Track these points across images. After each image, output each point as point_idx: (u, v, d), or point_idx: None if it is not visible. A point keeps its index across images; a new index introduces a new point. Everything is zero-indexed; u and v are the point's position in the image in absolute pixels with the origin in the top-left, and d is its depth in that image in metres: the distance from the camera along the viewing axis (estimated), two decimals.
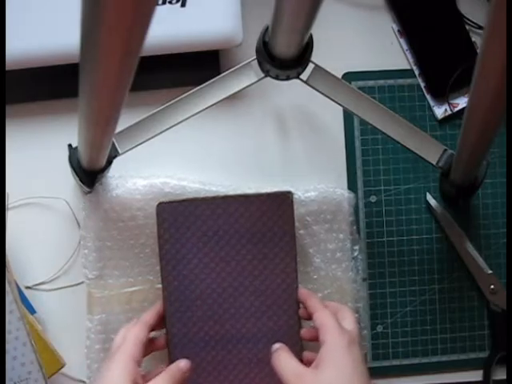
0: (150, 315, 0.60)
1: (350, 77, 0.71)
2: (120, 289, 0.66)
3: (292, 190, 0.65)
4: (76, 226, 0.67)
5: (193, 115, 0.61)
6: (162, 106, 0.60)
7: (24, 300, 0.63)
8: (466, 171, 0.62)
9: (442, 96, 0.71)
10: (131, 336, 0.56)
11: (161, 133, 0.61)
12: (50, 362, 0.62)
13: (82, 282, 0.66)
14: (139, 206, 0.66)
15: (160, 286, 0.63)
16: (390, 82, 0.71)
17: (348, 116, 0.70)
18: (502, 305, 0.69)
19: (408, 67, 0.72)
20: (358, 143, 0.70)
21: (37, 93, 0.68)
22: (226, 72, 0.61)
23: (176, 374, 0.55)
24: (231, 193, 0.66)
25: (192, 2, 0.63)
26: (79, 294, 0.66)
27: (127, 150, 0.61)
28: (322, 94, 0.61)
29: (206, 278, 0.62)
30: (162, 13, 0.62)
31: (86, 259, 0.66)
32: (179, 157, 0.69)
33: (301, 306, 0.62)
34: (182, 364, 0.57)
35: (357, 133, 0.71)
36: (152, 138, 0.61)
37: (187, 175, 0.67)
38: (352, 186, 0.70)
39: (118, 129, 0.57)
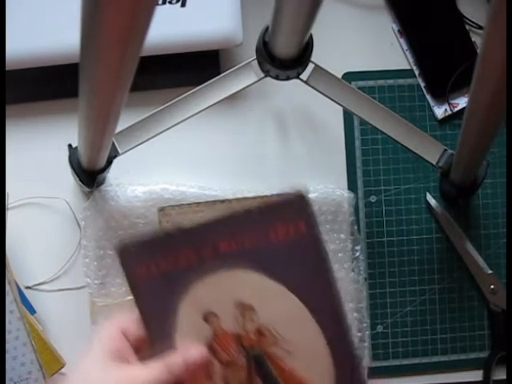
0: None
1: (349, 77, 0.71)
2: (123, 297, 0.65)
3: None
4: (76, 225, 0.67)
5: (193, 115, 0.61)
6: (162, 106, 0.60)
7: (24, 300, 0.63)
8: (466, 171, 0.62)
9: (442, 96, 0.71)
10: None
11: (161, 133, 0.61)
12: (50, 362, 0.62)
13: (83, 287, 0.66)
14: (139, 213, 0.66)
15: None
16: (390, 82, 0.71)
17: (348, 116, 0.70)
18: (502, 305, 0.69)
19: (408, 67, 0.72)
20: (358, 143, 0.70)
21: (37, 93, 0.68)
22: (226, 72, 0.61)
23: (175, 366, 0.41)
24: (230, 197, 0.66)
25: (192, 2, 0.63)
26: (79, 295, 0.66)
27: (127, 150, 0.61)
28: (322, 94, 0.61)
29: None
30: (162, 13, 0.62)
31: (87, 268, 0.66)
32: (178, 160, 0.69)
33: None
34: (192, 353, 0.42)
35: (357, 133, 0.71)
36: (152, 137, 0.61)
37: (186, 179, 0.67)
38: (352, 186, 0.70)
39: (118, 129, 0.57)
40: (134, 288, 0.44)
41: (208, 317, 0.43)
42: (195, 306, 0.43)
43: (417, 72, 0.72)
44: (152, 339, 0.44)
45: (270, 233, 0.41)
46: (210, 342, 0.43)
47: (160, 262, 0.43)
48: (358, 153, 0.70)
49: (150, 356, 0.43)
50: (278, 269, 0.41)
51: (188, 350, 0.42)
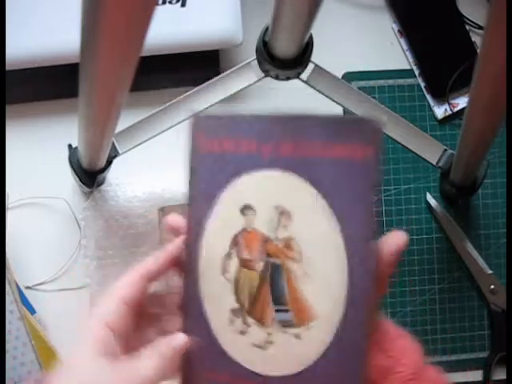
0: (153, 262, 0.45)
1: (349, 77, 0.71)
2: None
3: None
4: (76, 225, 0.67)
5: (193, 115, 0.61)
6: (162, 106, 0.60)
7: (24, 300, 0.63)
8: (466, 171, 0.62)
9: (442, 96, 0.71)
10: (114, 292, 0.43)
11: (161, 133, 0.61)
12: (50, 362, 0.62)
13: (83, 287, 0.66)
14: (139, 213, 0.66)
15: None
16: (390, 82, 0.71)
17: None
18: (502, 305, 0.69)
19: (408, 67, 0.72)
20: None
21: (37, 93, 0.68)
22: (226, 72, 0.61)
23: (167, 352, 0.42)
24: None
25: (192, 2, 0.63)
26: (79, 294, 0.66)
27: (127, 150, 0.61)
28: (322, 93, 0.61)
29: None
30: (161, 13, 0.62)
31: (87, 268, 0.66)
32: (178, 160, 0.68)
33: None
34: (178, 341, 0.42)
35: None
36: (152, 137, 0.61)
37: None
38: None
39: (118, 129, 0.57)
40: (193, 159, 0.45)
41: (245, 209, 0.42)
42: (238, 194, 0.43)
43: (417, 72, 0.72)
44: (190, 214, 0.44)
45: (336, 147, 0.40)
46: (237, 234, 0.43)
47: (224, 141, 0.43)
48: None
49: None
50: (328, 186, 0.41)
51: (174, 338, 0.42)
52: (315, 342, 0.41)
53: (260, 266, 0.42)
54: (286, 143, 0.42)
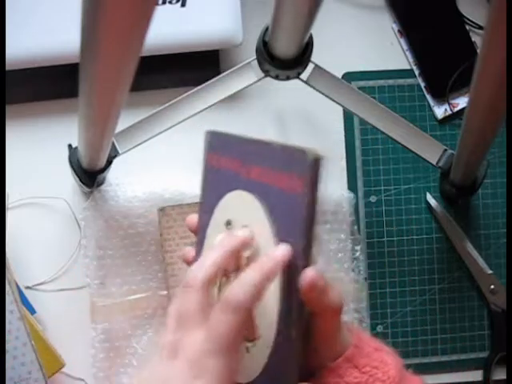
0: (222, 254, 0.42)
1: (350, 77, 0.71)
2: (123, 297, 0.65)
3: None
4: (76, 225, 0.67)
5: (193, 115, 0.61)
6: (162, 106, 0.60)
7: (24, 300, 0.63)
8: (466, 171, 0.62)
9: (442, 96, 0.71)
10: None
11: (161, 133, 0.61)
12: (50, 362, 0.62)
13: (83, 287, 0.66)
14: (139, 213, 0.66)
15: (163, 292, 0.62)
16: (390, 82, 0.71)
17: (348, 116, 0.70)
18: (502, 305, 0.69)
19: (408, 67, 0.72)
20: (358, 143, 0.70)
21: (37, 93, 0.68)
22: (226, 72, 0.61)
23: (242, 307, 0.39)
24: None
25: (192, 2, 0.63)
26: (79, 295, 0.66)
27: (127, 150, 0.61)
28: (322, 93, 0.61)
29: None
30: (162, 13, 0.62)
31: (87, 268, 0.66)
32: (178, 160, 0.69)
33: None
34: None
35: (357, 133, 0.71)
36: (152, 137, 0.61)
37: (186, 179, 0.67)
38: (352, 186, 0.70)
39: (118, 129, 0.57)
40: (204, 172, 0.49)
41: (228, 224, 0.46)
42: (224, 209, 0.46)
43: (417, 72, 0.72)
44: (199, 221, 0.49)
45: (277, 175, 0.43)
46: None
47: (221, 158, 0.48)
48: (357, 153, 0.70)
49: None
50: (274, 212, 0.43)
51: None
52: (258, 358, 0.43)
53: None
54: (253, 167, 0.45)
